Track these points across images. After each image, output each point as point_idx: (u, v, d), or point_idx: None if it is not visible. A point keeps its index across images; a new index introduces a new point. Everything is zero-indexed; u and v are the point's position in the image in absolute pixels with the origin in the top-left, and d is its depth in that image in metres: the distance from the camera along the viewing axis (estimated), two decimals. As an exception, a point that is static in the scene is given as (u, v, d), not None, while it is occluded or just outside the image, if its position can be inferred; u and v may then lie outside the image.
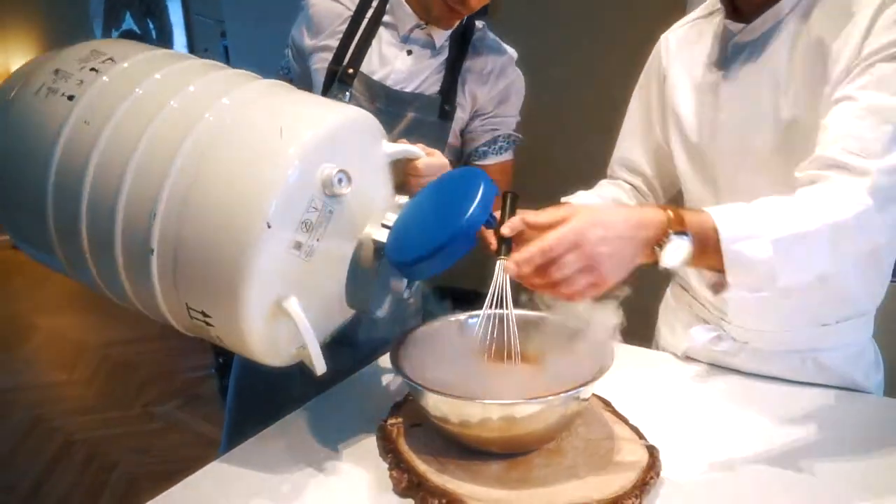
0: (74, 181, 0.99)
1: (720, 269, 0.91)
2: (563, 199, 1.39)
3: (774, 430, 1.13)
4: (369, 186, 1.05)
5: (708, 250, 0.91)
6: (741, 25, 1.21)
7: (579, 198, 1.39)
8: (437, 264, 0.92)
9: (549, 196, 1.41)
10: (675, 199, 1.43)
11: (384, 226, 1.02)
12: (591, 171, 1.51)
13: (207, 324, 0.99)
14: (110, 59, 1.06)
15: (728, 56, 1.24)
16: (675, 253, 0.89)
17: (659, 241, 0.90)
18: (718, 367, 1.35)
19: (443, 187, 1.02)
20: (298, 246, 0.95)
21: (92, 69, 1.04)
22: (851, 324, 1.27)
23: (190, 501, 0.98)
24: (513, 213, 1.26)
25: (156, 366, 3.52)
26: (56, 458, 2.87)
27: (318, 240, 0.96)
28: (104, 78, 1.03)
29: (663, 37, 1.39)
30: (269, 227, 0.90)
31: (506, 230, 0.96)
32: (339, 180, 0.94)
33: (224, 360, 2.50)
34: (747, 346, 1.32)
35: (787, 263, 0.92)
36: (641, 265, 0.92)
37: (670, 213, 0.91)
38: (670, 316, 1.50)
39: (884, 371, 1.35)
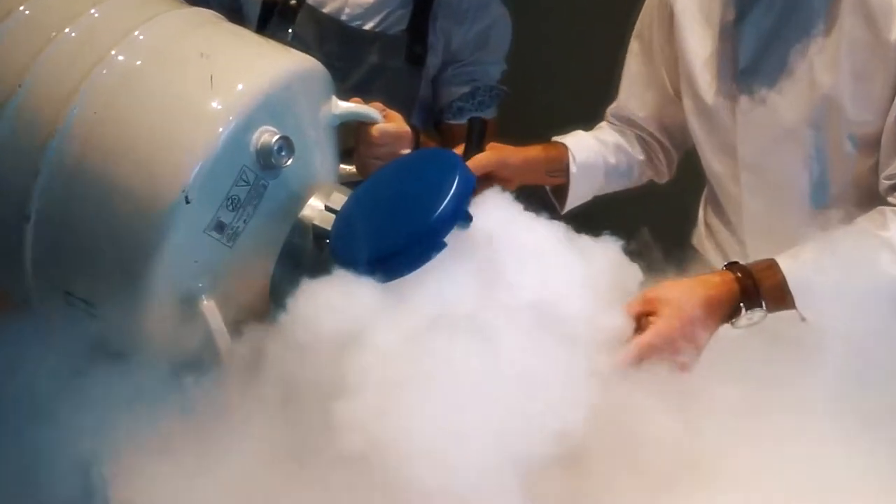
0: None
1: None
2: (554, 139, 1.25)
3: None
4: (312, 155, 0.89)
5: (783, 308, 0.94)
6: None
7: (576, 138, 1.26)
8: (395, 269, 0.76)
9: (538, 134, 1.25)
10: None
11: (328, 208, 0.86)
12: (584, 108, 1.34)
13: (90, 314, 0.82)
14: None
15: None
16: (749, 323, 0.92)
17: (732, 316, 0.91)
18: None
19: (407, 171, 0.88)
20: (221, 227, 0.80)
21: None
22: None
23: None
24: (480, 147, 1.09)
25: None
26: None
27: (244, 221, 0.81)
28: (-23, -15, 0.83)
29: None
30: (187, 201, 0.75)
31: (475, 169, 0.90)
32: (280, 149, 0.79)
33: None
34: None
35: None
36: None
37: (740, 275, 0.92)
38: None
39: None
